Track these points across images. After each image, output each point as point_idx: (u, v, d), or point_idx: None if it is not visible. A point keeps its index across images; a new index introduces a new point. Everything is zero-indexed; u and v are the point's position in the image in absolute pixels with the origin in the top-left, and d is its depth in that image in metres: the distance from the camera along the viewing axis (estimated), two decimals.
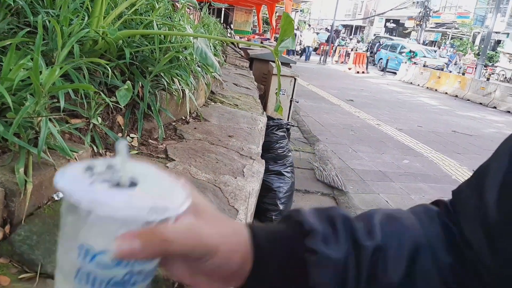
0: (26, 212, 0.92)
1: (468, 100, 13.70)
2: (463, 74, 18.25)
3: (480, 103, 13.14)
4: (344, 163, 5.26)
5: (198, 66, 2.23)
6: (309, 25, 27.90)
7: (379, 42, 25.87)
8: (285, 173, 3.49)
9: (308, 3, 35.46)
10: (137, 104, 1.59)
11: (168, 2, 2.42)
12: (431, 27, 36.10)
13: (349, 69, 18.93)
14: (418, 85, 16.46)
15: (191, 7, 3.79)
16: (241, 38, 11.49)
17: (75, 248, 0.31)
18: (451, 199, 0.46)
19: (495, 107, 12.63)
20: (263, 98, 4.82)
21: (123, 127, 1.52)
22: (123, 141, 0.34)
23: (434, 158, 6.03)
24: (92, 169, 0.34)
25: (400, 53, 21.22)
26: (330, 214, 0.43)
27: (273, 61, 5.08)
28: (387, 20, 41.62)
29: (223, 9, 15.94)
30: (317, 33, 25.66)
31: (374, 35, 36.66)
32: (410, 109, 10.33)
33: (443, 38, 36.32)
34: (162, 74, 1.72)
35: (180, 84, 1.84)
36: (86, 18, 1.47)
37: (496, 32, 26.28)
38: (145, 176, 0.35)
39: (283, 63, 5.59)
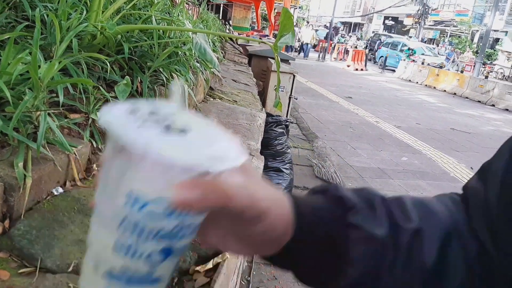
0: (25, 207, 0.92)
1: (467, 98, 13.71)
2: (462, 72, 18.27)
3: (479, 101, 13.16)
4: (343, 160, 5.27)
5: (197, 61, 2.22)
6: (307, 22, 27.81)
7: (380, 40, 25.83)
8: (284, 170, 3.49)
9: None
10: (136, 99, 1.58)
11: None
12: (429, 25, 36.10)
13: (348, 66, 18.92)
14: (417, 82, 16.47)
15: (189, 3, 3.78)
16: (240, 34, 11.47)
17: (122, 195, 0.28)
18: (462, 193, 0.46)
19: (493, 105, 12.65)
20: (262, 95, 4.81)
21: None
22: (179, 81, 0.31)
23: (432, 155, 6.04)
24: (136, 112, 0.30)
25: (401, 51, 21.22)
26: (367, 193, 0.42)
27: (272, 58, 5.08)
28: (386, 18, 41.57)
29: (221, 5, 15.89)
30: (316, 30, 25.62)
31: (373, 32, 36.65)
32: (408, 107, 10.33)
33: (442, 36, 36.33)
34: (161, 69, 1.72)
35: (179, 80, 1.84)
36: (85, 12, 1.46)
37: (495, 30, 26.29)
38: (196, 124, 0.31)
39: (281, 60, 5.58)
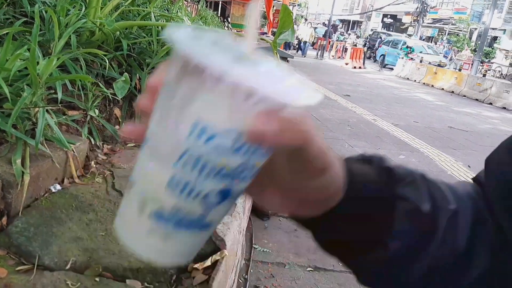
0: (23, 204, 0.91)
1: (464, 96, 13.74)
2: (460, 70, 18.30)
3: (476, 99, 13.19)
4: None
5: None
6: (306, 20, 27.72)
7: (381, 38, 25.79)
8: None
9: None
10: (134, 97, 1.58)
11: None
12: (428, 23, 36.13)
13: (346, 64, 18.91)
14: (415, 80, 16.48)
15: (188, 0, 3.77)
16: (239, 31, 11.45)
17: (186, 124, 0.25)
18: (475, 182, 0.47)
19: (491, 103, 12.68)
20: None
21: (120, 120, 1.51)
22: (256, 2, 0.28)
23: (430, 153, 6.05)
24: (200, 39, 0.27)
25: (402, 49, 21.23)
26: (409, 168, 0.41)
27: (271, 55, 5.06)
28: (385, 15, 41.58)
29: (220, 2, 15.86)
30: (315, 28, 25.55)
31: (372, 30, 36.63)
32: (406, 105, 10.35)
33: (440, 34, 36.36)
34: None
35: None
36: (83, 8, 1.45)
37: (493, 28, 26.33)
38: (267, 60, 0.28)
39: (280, 58, 5.58)
